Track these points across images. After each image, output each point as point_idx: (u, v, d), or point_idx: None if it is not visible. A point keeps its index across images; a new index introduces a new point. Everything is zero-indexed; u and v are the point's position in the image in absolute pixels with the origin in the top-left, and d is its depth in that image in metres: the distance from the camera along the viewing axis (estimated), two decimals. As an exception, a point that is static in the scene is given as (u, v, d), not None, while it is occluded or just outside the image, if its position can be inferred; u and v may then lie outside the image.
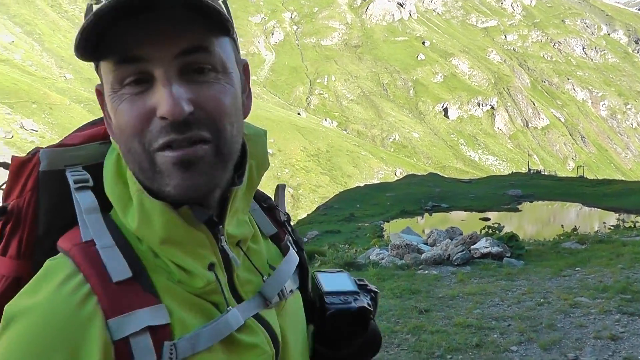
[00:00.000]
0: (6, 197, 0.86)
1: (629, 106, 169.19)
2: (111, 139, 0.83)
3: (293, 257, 1.00)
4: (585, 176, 56.44)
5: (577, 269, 8.68)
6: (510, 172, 77.64)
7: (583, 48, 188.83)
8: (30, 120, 60.93)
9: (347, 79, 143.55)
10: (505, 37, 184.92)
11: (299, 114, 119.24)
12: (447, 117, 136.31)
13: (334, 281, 1.04)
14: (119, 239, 0.78)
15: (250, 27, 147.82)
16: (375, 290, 1.09)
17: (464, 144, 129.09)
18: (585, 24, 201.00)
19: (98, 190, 0.82)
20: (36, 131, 58.89)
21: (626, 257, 9.28)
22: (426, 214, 34.03)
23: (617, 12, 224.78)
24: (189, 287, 0.79)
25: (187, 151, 0.73)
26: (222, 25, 0.75)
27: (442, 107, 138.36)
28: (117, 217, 0.81)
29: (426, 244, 11.31)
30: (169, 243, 0.78)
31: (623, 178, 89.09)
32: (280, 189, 1.10)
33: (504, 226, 11.88)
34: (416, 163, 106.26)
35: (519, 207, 34.90)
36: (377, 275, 8.56)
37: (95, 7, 0.71)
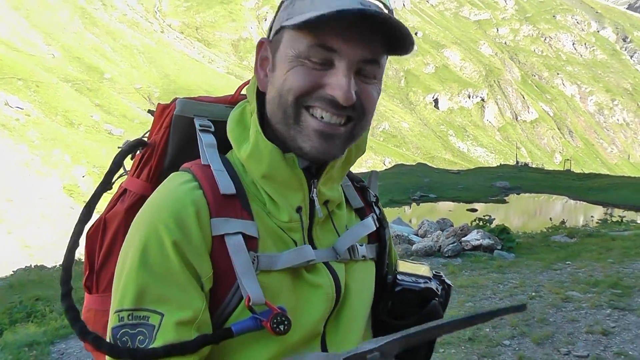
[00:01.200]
0: (150, 136, 1.15)
1: (615, 102, 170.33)
2: (249, 90, 1.06)
3: (369, 224, 1.15)
4: (571, 170, 56.88)
5: (567, 262, 8.69)
6: (498, 164, 77.90)
7: (573, 44, 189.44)
8: (15, 97, 59.90)
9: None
10: (497, 30, 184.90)
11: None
12: (437, 108, 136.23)
13: (412, 267, 1.18)
14: (229, 169, 1.00)
15: (244, 12, 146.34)
16: (449, 284, 1.18)
17: (453, 135, 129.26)
18: (575, 20, 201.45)
19: (217, 137, 1.05)
20: (22, 109, 57.93)
21: (616, 252, 9.32)
22: (414, 204, 34.01)
23: (607, 10, 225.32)
24: (276, 219, 0.99)
25: (330, 128, 0.94)
26: (401, 49, 0.94)
27: (433, 97, 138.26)
28: (231, 156, 1.04)
29: (417, 234, 11.27)
30: (269, 178, 0.98)
31: (608, 173, 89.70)
32: (373, 174, 1.24)
33: (494, 218, 11.87)
34: (405, 153, 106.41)
35: (506, 198, 35.06)
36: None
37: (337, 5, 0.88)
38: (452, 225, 11.31)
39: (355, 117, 0.96)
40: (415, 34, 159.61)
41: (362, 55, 0.92)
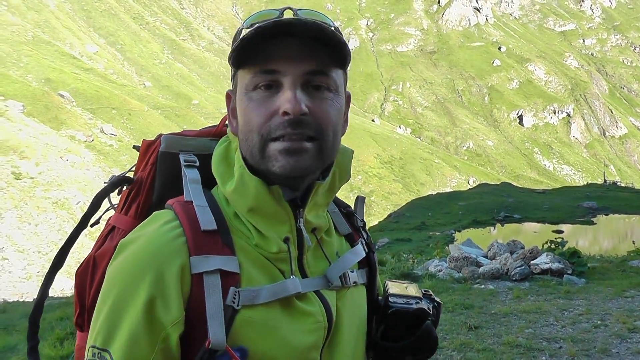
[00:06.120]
0: (136, 172, 1.19)
1: None
2: (228, 132, 1.11)
3: (359, 251, 1.18)
4: (667, 188, 53.79)
5: (642, 289, 8.37)
6: (585, 183, 74.85)
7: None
8: (109, 125, 63.50)
9: (422, 85, 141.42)
10: (584, 41, 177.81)
11: (373, 120, 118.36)
12: (522, 125, 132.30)
13: (401, 287, 1.21)
14: (213, 204, 1.03)
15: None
16: (439, 302, 1.22)
17: (539, 152, 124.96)
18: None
19: (202, 171, 1.08)
20: (115, 135, 61.31)
21: (698, 279, 8.88)
22: (498, 225, 33.37)
23: None
24: (263, 251, 1.01)
25: (293, 144, 0.96)
26: (342, 60, 1.01)
27: (517, 114, 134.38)
28: (216, 192, 1.07)
29: (486, 256, 11.16)
30: (256, 211, 1.01)
31: None
32: (360, 200, 1.28)
33: (567, 241, 11.54)
34: (489, 172, 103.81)
35: (594, 219, 33.72)
36: (431, 287, 8.34)
37: (246, 31, 0.97)
38: (522, 248, 11.12)
39: (315, 136, 0.98)
40: (499, 48, 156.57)
41: (304, 68, 0.97)
